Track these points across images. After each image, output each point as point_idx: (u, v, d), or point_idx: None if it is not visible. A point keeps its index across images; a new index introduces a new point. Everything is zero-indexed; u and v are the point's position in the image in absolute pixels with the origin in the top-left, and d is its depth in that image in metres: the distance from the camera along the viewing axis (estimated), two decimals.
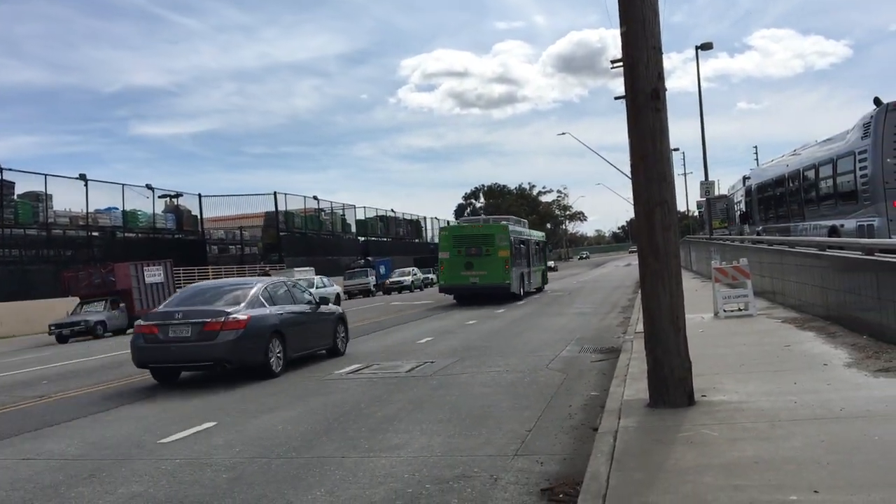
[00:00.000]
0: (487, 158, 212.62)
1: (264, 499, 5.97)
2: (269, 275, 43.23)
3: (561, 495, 5.59)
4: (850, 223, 16.01)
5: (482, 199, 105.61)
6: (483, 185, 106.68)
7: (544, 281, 39.51)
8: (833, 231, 16.98)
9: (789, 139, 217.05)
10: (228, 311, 12.37)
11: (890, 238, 13.68)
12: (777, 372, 8.74)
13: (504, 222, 32.50)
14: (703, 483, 4.94)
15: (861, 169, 15.38)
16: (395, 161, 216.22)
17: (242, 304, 12.71)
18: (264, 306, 13.10)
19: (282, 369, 12.95)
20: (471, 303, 29.66)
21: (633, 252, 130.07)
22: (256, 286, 13.65)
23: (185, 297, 13.70)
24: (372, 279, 54.06)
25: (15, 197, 36.85)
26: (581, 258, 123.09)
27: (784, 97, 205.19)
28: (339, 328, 15.50)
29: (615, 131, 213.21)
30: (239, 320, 12.22)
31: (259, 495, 6.06)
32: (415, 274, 56.57)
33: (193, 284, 16.91)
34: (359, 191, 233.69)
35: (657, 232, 7.34)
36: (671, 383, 7.26)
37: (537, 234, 40.89)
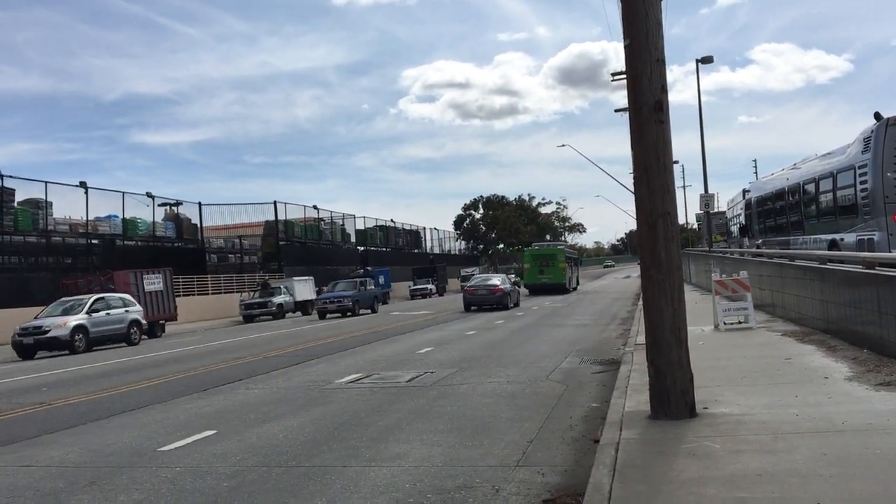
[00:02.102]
0: (487, 169, 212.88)
1: None
2: (268, 284, 43.23)
3: None
4: (850, 237, 16.04)
5: (481, 210, 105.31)
6: (482, 196, 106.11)
7: (578, 283, 58.40)
8: (833, 245, 17.01)
9: (789, 153, 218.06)
10: (498, 284, 34.70)
11: (890, 252, 13.70)
12: (778, 385, 8.74)
13: (561, 246, 57.50)
14: (706, 495, 4.94)
15: (861, 183, 15.43)
16: (395, 171, 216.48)
17: (500, 282, 35.21)
18: (505, 283, 35.02)
19: (513, 307, 33.81)
20: (538, 294, 47.17)
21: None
22: (502, 276, 38.99)
23: (477, 278, 38.32)
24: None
25: (15, 204, 36.78)
26: None
27: (784, 111, 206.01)
28: (519, 296, 37.66)
29: (615, 143, 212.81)
30: (502, 288, 34.12)
31: None
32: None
33: (476, 276, 41.91)
34: (358, 201, 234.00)
35: (660, 243, 7.35)
36: (673, 395, 7.26)
37: (575, 253, 68.05)
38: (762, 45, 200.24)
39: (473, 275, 69.04)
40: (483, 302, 33.70)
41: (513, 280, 44.20)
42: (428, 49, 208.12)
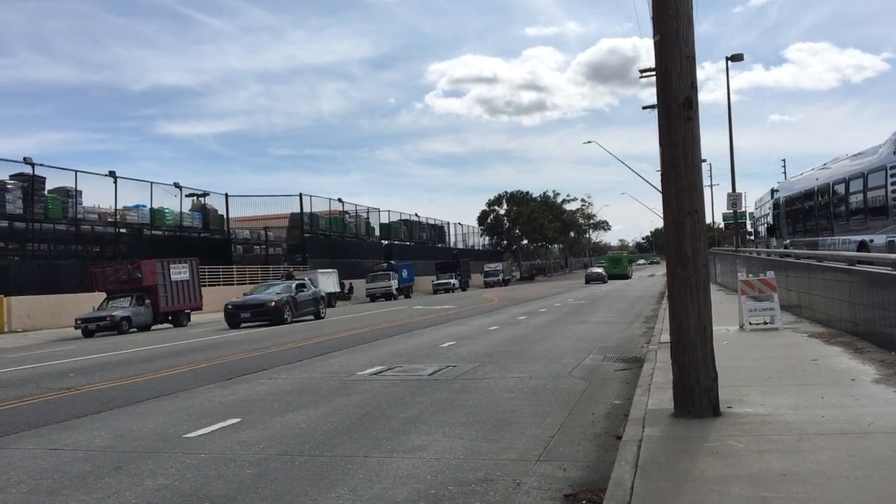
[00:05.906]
0: (511, 165, 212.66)
1: (288, 495, 6.01)
2: (293, 276, 43.48)
3: (584, 502, 5.58)
4: (879, 238, 15.82)
5: (505, 206, 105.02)
6: (506, 192, 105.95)
7: (631, 274, 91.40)
8: (862, 246, 16.80)
9: (819, 153, 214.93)
10: (602, 272, 78.07)
11: None
12: (804, 386, 8.66)
13: (624, 253, 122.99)
14: (729, 493, 4.92)
15: (892, 184, 15.21)
16: (419, 166, 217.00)
17: (602, 270, 79.59)
18: (604, 272, 78.85)
19: (607, 282, 71.86)
20: (608, 280, 73.23)
21: (654, 263, 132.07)
22: (602, 268, 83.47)
23: (591, 269, 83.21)
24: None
25: (45, 192, 37.33)
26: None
27: (816, 110, 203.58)
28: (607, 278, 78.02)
29: (641, 141, 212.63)
30: (604, 274, 77.04)
31: (283, 491, 6.11)
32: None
33: (590, 268, 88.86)
34: (382, 195, 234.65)
35: (686, 241, 7.31)
36: (697, 393, 7.22)
37: (631, 256, 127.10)
38: (797, 43, 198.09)
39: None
40: (594, 280, 70.88)
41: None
42: (455, 43, 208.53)
